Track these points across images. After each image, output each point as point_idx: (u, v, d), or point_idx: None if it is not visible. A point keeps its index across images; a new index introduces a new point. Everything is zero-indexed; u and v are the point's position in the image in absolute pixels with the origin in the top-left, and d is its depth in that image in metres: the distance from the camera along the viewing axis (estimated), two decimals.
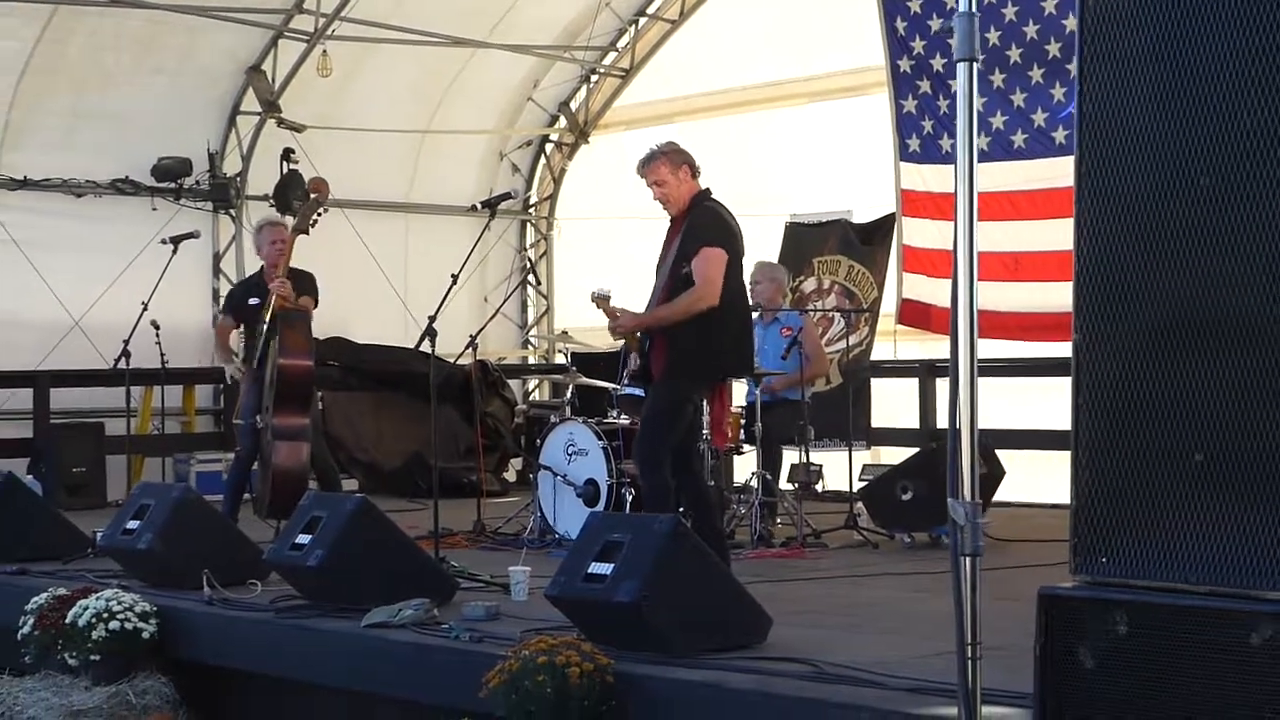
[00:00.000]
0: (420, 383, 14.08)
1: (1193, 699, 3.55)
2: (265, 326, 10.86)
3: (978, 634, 3.97)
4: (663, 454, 8.30)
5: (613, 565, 6.46)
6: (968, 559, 3.89)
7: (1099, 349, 3.79)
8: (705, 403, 8.93)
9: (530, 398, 18.07)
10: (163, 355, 13.05)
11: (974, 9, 3.93)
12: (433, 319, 8.95)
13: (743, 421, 10.85)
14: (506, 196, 9.71)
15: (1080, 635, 3.73)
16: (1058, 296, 11.70)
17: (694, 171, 8.50)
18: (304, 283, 11.15)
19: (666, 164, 8.45)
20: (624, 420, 10.48)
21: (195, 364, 15.15)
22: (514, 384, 17.49)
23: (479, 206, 9.55)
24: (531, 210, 18.73)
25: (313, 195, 11.53)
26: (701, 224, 8.35)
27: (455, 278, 9.17)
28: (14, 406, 14.63)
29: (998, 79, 12.75)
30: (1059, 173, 12.05)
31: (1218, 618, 3.52)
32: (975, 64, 3.97)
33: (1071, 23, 11.45)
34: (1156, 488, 3.72)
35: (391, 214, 17.48)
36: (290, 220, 12.20)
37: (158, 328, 12.78)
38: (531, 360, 18.72)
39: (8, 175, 15.06)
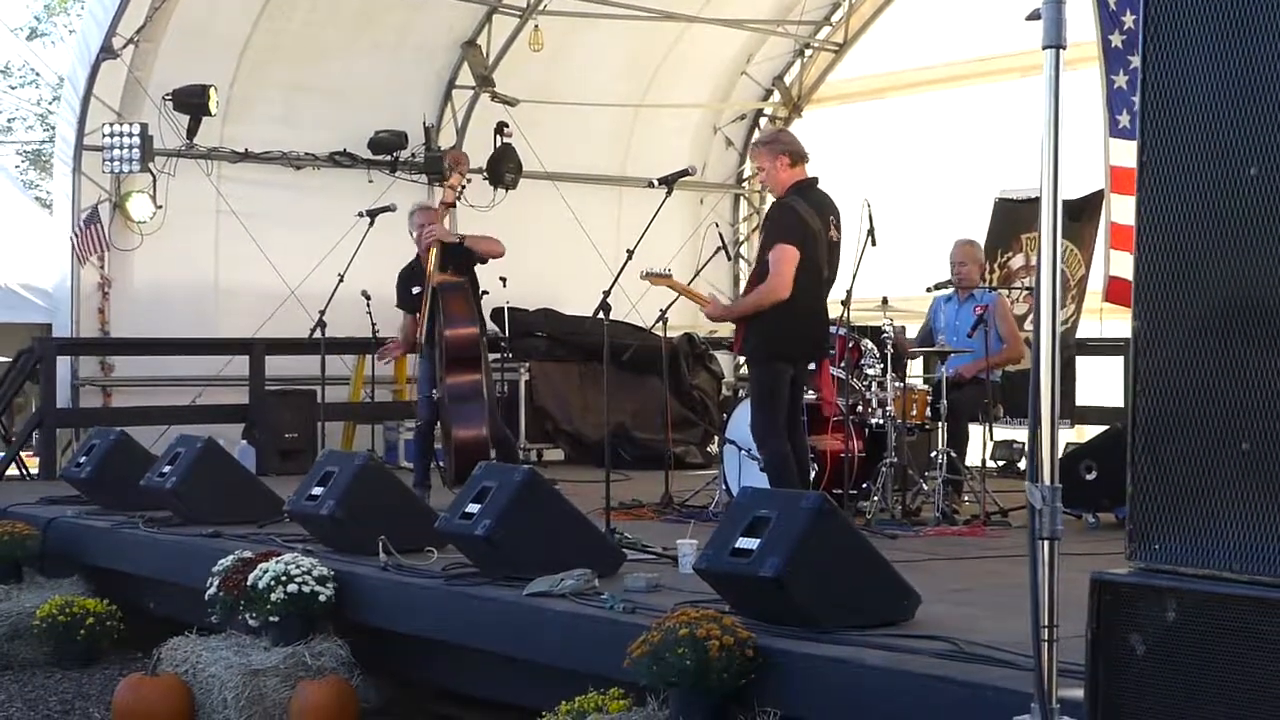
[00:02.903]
0: (628, 355, 14.31)
1: (1236, 688, 3.56)
2: (428, 304, 11.17)
3: (1055, 617, 4.01)
4: (766, 428, 9.21)
5: (759, 540, 6.53)
6: (1045, 542, 3.93)
7: (1157, 334, 3.81)
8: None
9: (739, 371, 18.19)
10: (374, 324, 13.44)
11: None
12: (607, 293, 9.13)
13: (929, 398, 10.86)
14: (685, 173, 9.80)
15: (1132, 622, 3.75)
16: None
17: (794, 160, 9.23)
18: (462, 241, 11.46)
19: (766, 152, 9.32)
20: (810, 395, 10.55)
21: None
22: (724, 358, 17.61)
23: (655, 183, 9.64)
24: (745, 184, 18.86)
25: (454, 167, 11.79)
26: (777, 221, 9.21)
27: (630, 253, 9.33)
28: (232, 373, 15.11)
29: (1136, 60, 12.67)
30: None
31: (1258, 606, 3.53)
32: (1062, 51, 4.02)
33: None
34: (1206, 475, 3.73)
35: (605, 187, 17.72)
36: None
37: (368, 298, 13.16)
38: None
39: (229, 148, 15.59)
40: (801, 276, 9.10)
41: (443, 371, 11.07)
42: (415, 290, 11.53)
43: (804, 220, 9.14)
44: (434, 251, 11.33)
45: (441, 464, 11.65)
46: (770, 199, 9.71)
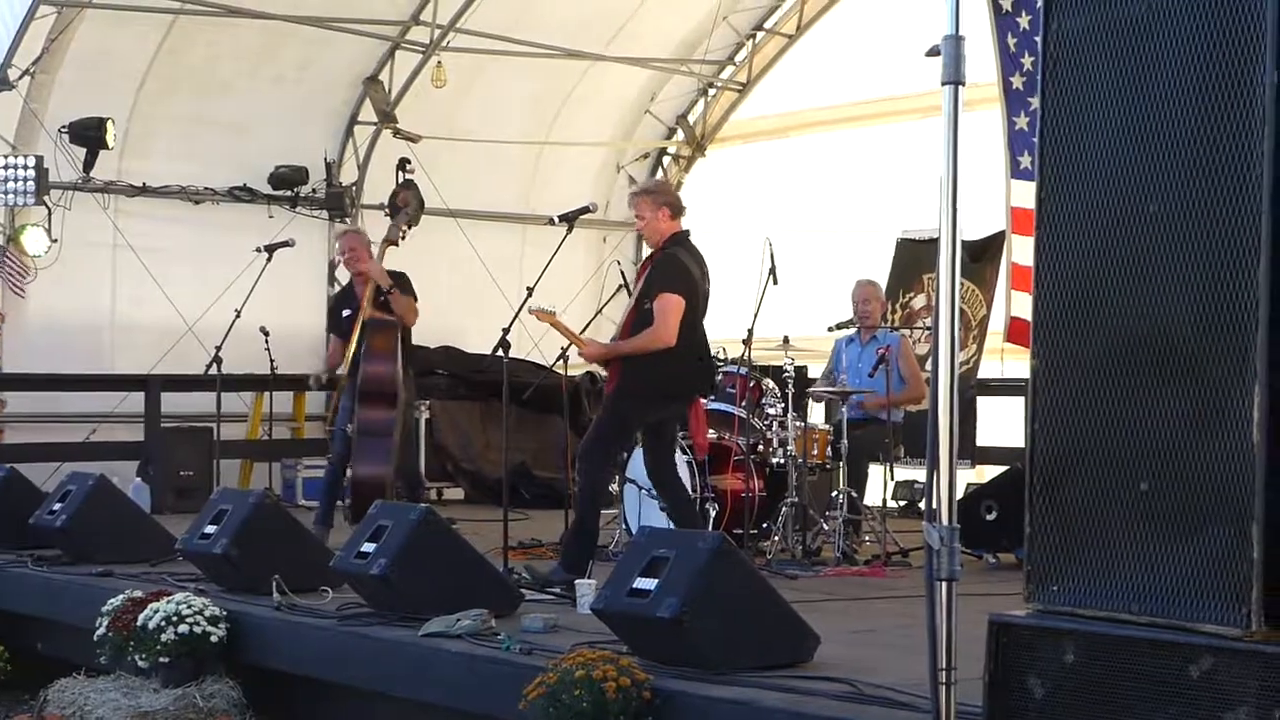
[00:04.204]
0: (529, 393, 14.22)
1: None
2: (357, 335, 11.05)
3: (953, 659, 3.97)
4: (600, 456, 9.30)
5: (657, 580, 6.49)
6: (943, 583, 3.88)
7: (1056, 373, 3.80)
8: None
9: None
10: (272, 361, 13.29)
11: (959, 32, 3.95)
12: (506, 330, 9.15)
13: (830, 438, 10.84)
14: (585, 210, 9.81)
15: (1030, 664, 3.73)
16: None
17: (674, 212, 9.41)
18: (398, 280, 11.32)
19: (648, 202, 9.41)
20: (710, 435, 10.50)
21: (307, 370, 15.31)
22: None
23: (555, 220, 9.63)
24: None
25: (401, 208, 11.73)
26: (664, 270, 9.27)
27: (531, 290, 9.30)
28: (127, 410, 14.90)
29: (1037, 101, 12.77)
30: None
31: (1158, 649, 3.51)
32: (961, 87, 4.00)
33: None
34: (1105, 515, 3.72)
35: (507, 225, 17.63)
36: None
37: (267, 334, 13.01)
38: None
39: (127, 182, 15.39)
40: (686, 319, 9.22)
41: (357, 405, 10.99)
42: (346, 313, 11.43)
43: (690, 271, 9.30)
44: (369, 285, 11.22)
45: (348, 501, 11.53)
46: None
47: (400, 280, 11.41)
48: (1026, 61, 13.42)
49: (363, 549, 7.88)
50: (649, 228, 9.41)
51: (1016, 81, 13.61)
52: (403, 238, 11.68)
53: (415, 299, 11.48)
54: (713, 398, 10.45)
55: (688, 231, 9.51)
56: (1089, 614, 3.71)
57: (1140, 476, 3.64)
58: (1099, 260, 3.76)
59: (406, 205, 11.90)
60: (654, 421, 9.43)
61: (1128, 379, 3.71)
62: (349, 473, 11.07)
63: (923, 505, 12.82)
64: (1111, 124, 3.81)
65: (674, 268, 9.27)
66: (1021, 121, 13.60)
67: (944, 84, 4.00)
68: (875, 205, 15.77)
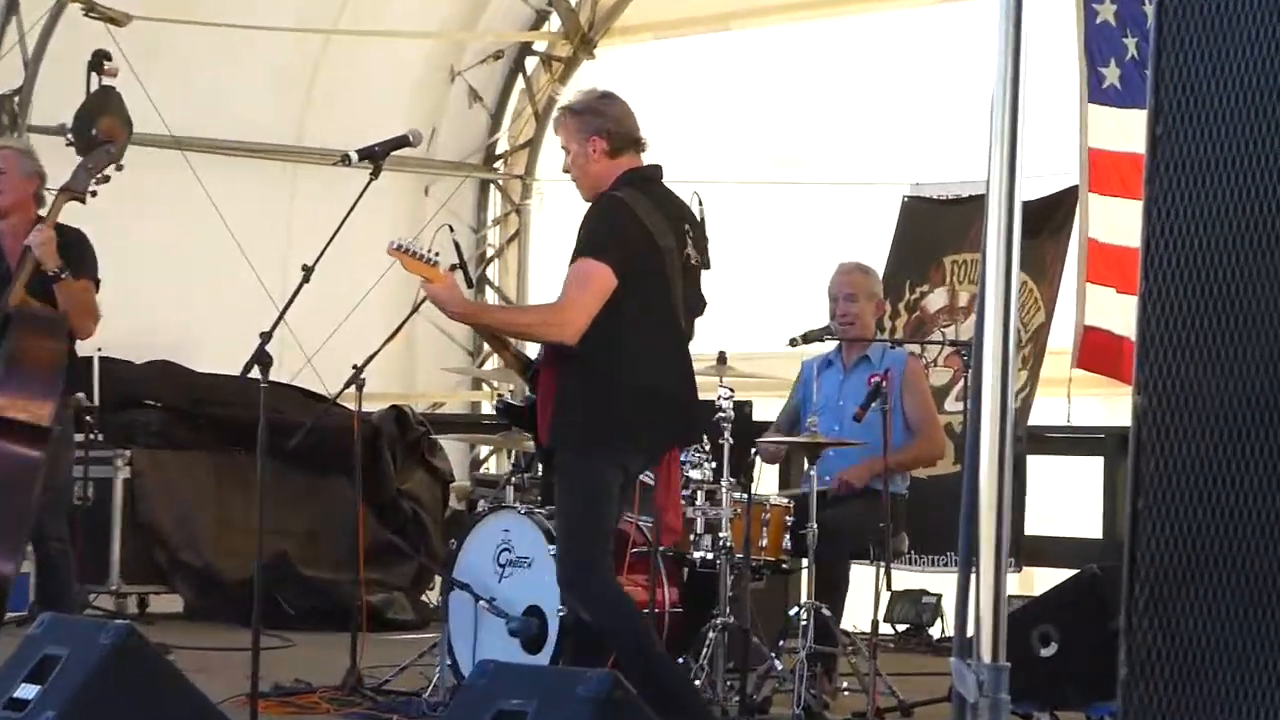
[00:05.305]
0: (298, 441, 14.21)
1: None
2: None
3: None
4: (589, 559, 9.08)
5: None
6: None
7: (1174, 419, 3.79)
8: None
9: (482, 469, 18.13)
10: None
11: None
12: (267, 336, 9.01)
13: (789, 520, 10.83)
14: (404, 142, 9.76)
15: None
16: None
17: (616, 147, 9.16)
18: (71, 248, 11.12)
19: (576, 127, 9.25)
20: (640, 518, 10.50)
21: None
22: (455, 447, 17.54)
23: (352, 158, 9.56)
24: (499, 165, 18.86)
25: (104, 143, 11.65)
26: (591, 223, 9.13)
27: (309, 271, 9.22)
28: None
29: None
30: None
31: None
32: None
33: None
34: (1251, 649, 3.72)
35: (269, 163, 17.66)
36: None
37: None
38: (489, 407, 18.78)
39: None
40: (644, 317, 9.08)
41: None
42: None
43: (639, 225, 9.10)
44: (28, 259, 11.01)
45: None
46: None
47: (75, 247, 11.21)
48: None
49: (16, 694, 7.82)
50: (577, 170, 9.27)
51: None
52: (94, 193, 11.54)
53: (97, 282, 11.29)
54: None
55: (654, 168, 9.33)
56: None
57: None
58: (1251, 240, 3.74)
59: (114, 138, 11.81)
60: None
61: None
62: None
63: (936, 630, 12.93)
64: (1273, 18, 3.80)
65: (607, 219, 9.11)
66: (1105, 10, 13.65)
67: None
68: (866, 143, 15.85)
